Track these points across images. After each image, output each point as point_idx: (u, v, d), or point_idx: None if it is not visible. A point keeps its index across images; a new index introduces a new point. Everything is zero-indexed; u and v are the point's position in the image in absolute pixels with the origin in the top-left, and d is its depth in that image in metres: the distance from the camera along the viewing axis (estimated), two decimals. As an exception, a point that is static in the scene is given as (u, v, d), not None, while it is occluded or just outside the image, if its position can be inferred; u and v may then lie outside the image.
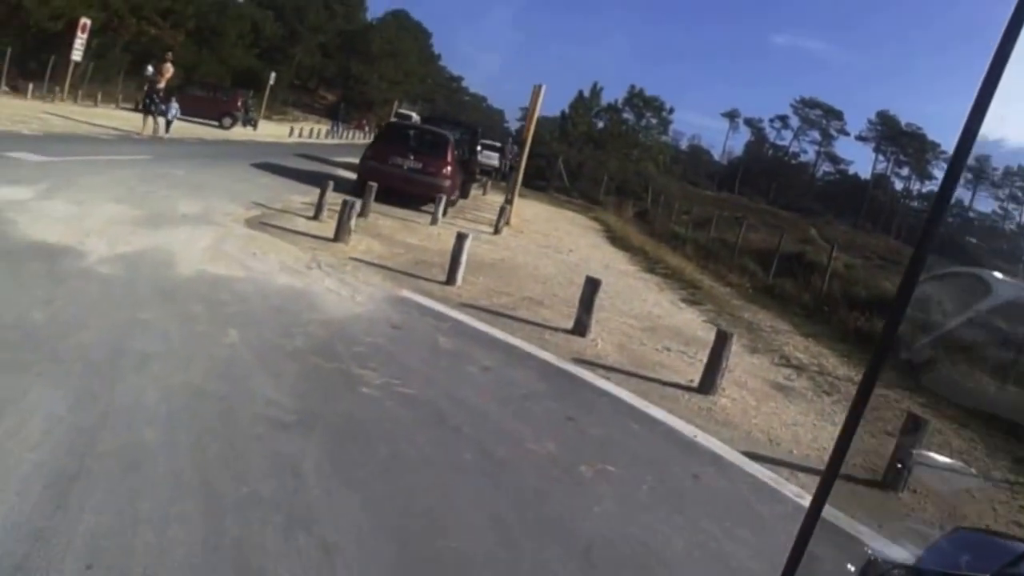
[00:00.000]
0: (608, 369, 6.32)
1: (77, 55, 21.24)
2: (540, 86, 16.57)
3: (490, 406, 4.77)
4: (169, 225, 7.79)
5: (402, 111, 43.80)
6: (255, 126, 28.06)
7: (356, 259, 8.33)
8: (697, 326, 9.53)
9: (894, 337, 0.83)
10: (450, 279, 8.19)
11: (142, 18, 28.82)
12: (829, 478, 0.92)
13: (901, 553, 1.09)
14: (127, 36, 28.34)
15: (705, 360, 6.49)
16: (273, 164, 16.60)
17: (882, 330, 0.86)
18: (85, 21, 21.39)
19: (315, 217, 10.33)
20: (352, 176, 14.97)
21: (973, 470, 4.99)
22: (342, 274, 7.45)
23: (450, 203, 14.92)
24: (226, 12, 38.23)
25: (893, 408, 6.28)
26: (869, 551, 1.06)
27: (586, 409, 5.30)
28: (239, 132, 25.48)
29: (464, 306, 7.37)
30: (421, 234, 11.44)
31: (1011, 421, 5.83)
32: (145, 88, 18.54)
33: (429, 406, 4.47)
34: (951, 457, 4.77)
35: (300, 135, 30.58)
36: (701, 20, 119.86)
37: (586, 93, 51.65)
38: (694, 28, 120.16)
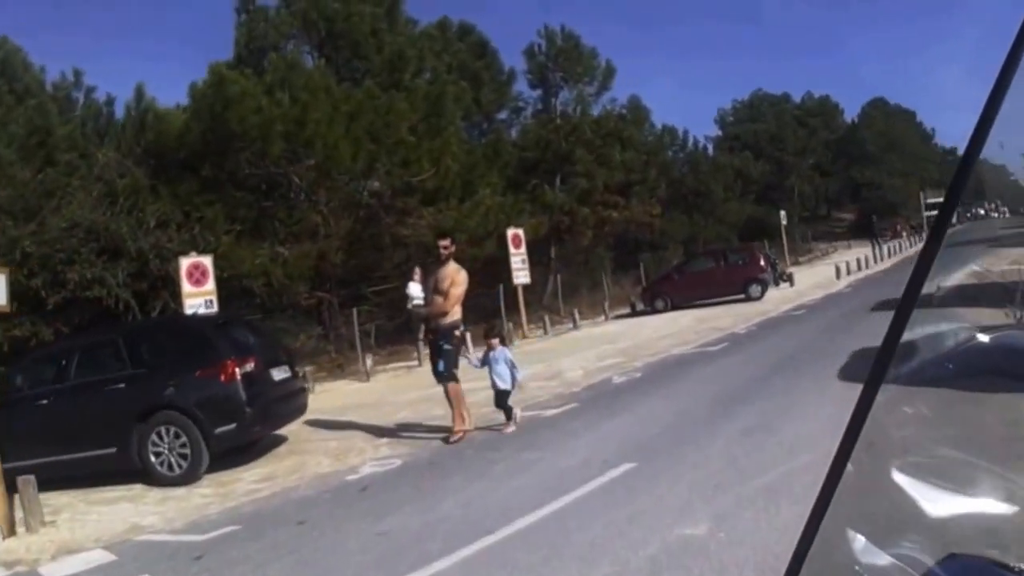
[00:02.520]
0: None
1: (522, 278, 17.77)
2: None
3: None
4: None
5: (931, 201, 37.81)
6: (791, 281, 22.81)
7: None
8: None
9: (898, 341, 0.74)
10: None
11: (597, 203, 25.37)
12: (832, 481, 0.80)
13: None
14: (569, 230, 25.02)
15: None
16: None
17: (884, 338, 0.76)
18: (516, 232, 18.04)
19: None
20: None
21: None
22: None
23: None
24: (699, 169, 35.84)
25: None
26: None
27: None
28: (774, 297, 19.70)
29: None
30: None
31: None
32: (422, 332, 9.41)
33: None
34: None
35: (848, 271, 24.02)
36: None
37: None
38: None
